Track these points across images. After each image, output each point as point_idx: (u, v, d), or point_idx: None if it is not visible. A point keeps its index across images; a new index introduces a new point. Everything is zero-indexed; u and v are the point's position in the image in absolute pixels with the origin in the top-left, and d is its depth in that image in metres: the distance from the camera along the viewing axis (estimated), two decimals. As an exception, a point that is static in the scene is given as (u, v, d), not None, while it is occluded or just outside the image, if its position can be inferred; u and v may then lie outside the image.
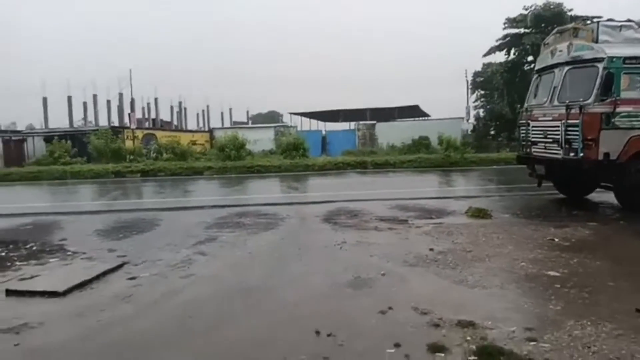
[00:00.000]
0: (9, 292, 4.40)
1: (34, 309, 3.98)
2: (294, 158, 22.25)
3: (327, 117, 41.65)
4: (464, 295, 4.03)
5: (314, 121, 47.10)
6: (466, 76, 36.13)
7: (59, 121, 44.56)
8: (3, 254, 6.09)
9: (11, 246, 6.48)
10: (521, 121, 9.72)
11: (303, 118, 44.55)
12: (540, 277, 4.46)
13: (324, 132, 36.05)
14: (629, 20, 8.09)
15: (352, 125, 36.95)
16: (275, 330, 3.42)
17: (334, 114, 37.36)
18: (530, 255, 5.22)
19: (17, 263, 5.61)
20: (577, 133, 7.68)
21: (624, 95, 7.54)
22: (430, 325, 3.36)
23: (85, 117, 47.69)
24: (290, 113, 42.98)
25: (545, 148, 8.65)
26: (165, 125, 46.86)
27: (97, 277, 4.81)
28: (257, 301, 4.06)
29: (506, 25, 27.71)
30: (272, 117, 69.81)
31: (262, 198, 11.60)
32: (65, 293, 4.34)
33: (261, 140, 29.56)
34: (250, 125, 52.81)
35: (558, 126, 8.07)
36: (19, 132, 34.27)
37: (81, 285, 4.55)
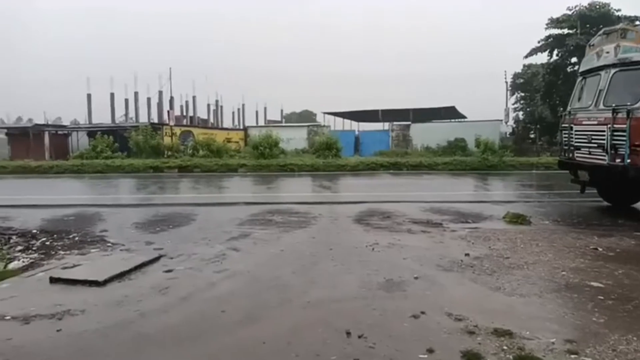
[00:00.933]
0: (53, 280, 4.59)
1: (76, 297, 4.14)
2: (327, 157, 22.30)
3: (361, 117, 41.42)
4: (500, 303, 3.90)
5: (347, 121, 46.97)
6: (505, 77, 35.17)
7: (101, 117, 46.35)
8: (48, 243, 6.40)
9: (55, 236, 6.80)
10: (564, 125, 9.36)
11: (337, 118, 44.51)
12: (582, 288, 4.27)
13: (357, 132, 35.90)
14: None
15: (385, 125, 36.61)
16: (305, 329, 3.42)
17: (368, 113, 37.09)
18: (571, 264, 5.02)
19: (61, 252, 5.88)
20: (624, 138, 7.33)
21: None
22: (465, 332, 3.27)
23: (126, 114, 49.35)
24: (324, 112, 43.06)
25: (589, 153, 8.31)
26: (202, 123, 47.88)
27: (135, 269, 4.96)
28: (288, 298, 4.08)
29: (549, 25, 26.76)
30: (305, 116, 70.23)
31: (294, 196, 11.66)
32: (105, 282, 4.50)
33: (294, 139, 29.75)
34: (284, 124, 53.27)
35: (603, 131, 7.73)
36: (64, 126, 35.86)
37: (120, 276, 4.70)
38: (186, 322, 3.58)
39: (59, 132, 31.88)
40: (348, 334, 3.25)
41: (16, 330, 3.43)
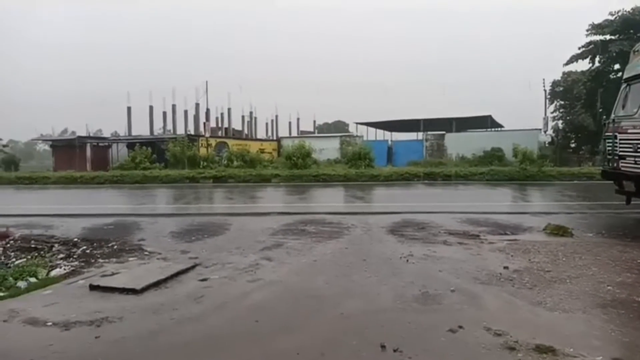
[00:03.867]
0: (93, 287, 4.75)
1: (114, 304, 4.26)
2: (359, 168, 22.24)
3: (394, 126, 41.14)
4: (542, 318, 3.74)
5: (379, 131, 46.74)
6: (544, 85, 34.17)
7: (140, 129, 48.05)
8: (88, 251, 6.64)
9: (95, 244, 7.04)
10: (607, 133, 8.98)
11: (369, 128, 44.38)
12: (630, 303, 4.04)
13: (390, 142, 35.66)
14: None
15: (419, 135, 36.21)
16: (339, 341, 3.38)
17: (401, 123, 36.80)
18: (617, 279, 4.77)
19: (100, 260, 6.09)
20: None
21: None
22: (505, 347, 3.15)
23: (164, 126, 50.81)
24: (356, 123, 42.99)
25: (635, 163, 7.92)
26: (236, 134, 48.80)
27: (171, 277, 5.07)
28: (321, 309, 4.06)
29: (590, 31, 25.91)
30: (338, 127, 70.42)
31: (326, 206, 11.66)
32: (142, 290, 4.61)
33: (327, 149, 29.89)
34: (316, 134, 53.58)
35: (651, 139, 7.36)
36: (105, 138, 37.38)
37: (157, 284, 4.82)
38: (220, 331, 3.62)
39: (100, 144, 33.27)
40: (383, 347, 3.19)
41: (57, 336, 3.55)
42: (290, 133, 56.32)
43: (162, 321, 3.81)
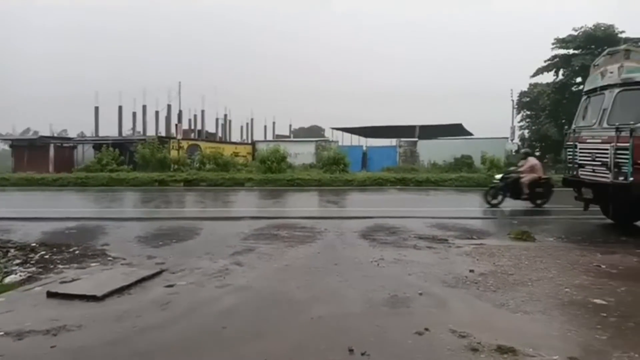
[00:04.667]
0: (50, 294, 4.54)
1: (73, 312, 4.09)
2: (334, 172, 22.34)
3: (368, 132, 41.59)
4: (504, 320, 3.86)
5: (355, 136, 47.15)
6: (511, 96, 35.29)
7: (108, 130, 46.78)
8: (47, 256, 6.34)
9: (55, 249, 6.73)
10: (568, 143, 9.37)
11: (345, 133, 44.71)
12: (586, 305, 4.22)
13: (364, 148, 36.00)
14: None
15: (393, 141, 36.70)
16: (308, 345, 3.38)
17: (375, 129, 37.28)
18: (575, 281, 4.97)
19: (60, 266, 5.83)
20: (627, 157, 7.34)
21: None
22: (469, 349, 3.22)
23: (134, 127, 49.74)
24: (332, 128, 43.31)
25: (593, 171, 8.30)
26: (210, 137, 48.19)
27: (136, 283, 4.92)
28: (291, 314, 4.05)
29: (555, 45, 26.99)
30: (314, 131, 70.52)
31: (300, 211, 11.65)
32: (104, 297, 4.45)
33: (302, 153, 29.90)
34: (292, 138, 53.52)
35: (607, 149, 7.74)
36: (70, 139, 36.23)
37: (120, 291, 4.67)
38: (186, 338, 3.55)
39: (65, 145, 32.15)
40: (351, 350, 3.21)
41: (9, 346, 3.38)
42: (265, 137, 56.10)
43: (124, 329, 3.70)
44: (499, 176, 12.78)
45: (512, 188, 11.99)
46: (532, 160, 12.44)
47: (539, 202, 12.01)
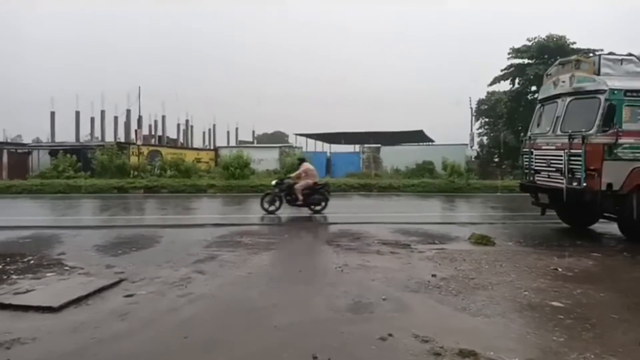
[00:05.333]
0: (3, 306, 4.35)
1: (27, 324, 3.92)
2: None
3: (332, 138, 41.86)
4: (466, 324, 3.95)
5: (319, 142, 47.34)
6: (470, 103, 36.44)
7: (65, 135, 44.96)
8: None
9: (8, 259, 6.40)
10: (524, 149, 9.75)
11: (309, 139, 44.82)
12: (543, 307, 4.39)
13: (328, 154, 36.19)
14: (629, 54, 8.21)
15: (357, 147, 37.08)
16: (271, 353, 3.35)
17: (339, 135, 37.56)
18: (533, 285, 5.16)
19: (13, 276, 5.54)
20: (579, 163, 7.69)
21: (626, 127, 7.60)
22: (431, 353, 3.28)
23: (92, 132, 48.10)
24: (296, 134, 43.30)
25: (548, 177, 8.65)
26: (171, 143, 47.19)
27: (94, 293, 4.75)
28: (254, 322, 4.00)
29: (511, 55, 28.07)
30: (277, 137, 70.26)
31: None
32: (60, 308, 4.29)
33: (266, 159, 29.69)
34: (255, 144, 53.18)
35: (561, 155, 8.09)
36: (24, 144, 34.55)
37: (77, 301, 4.50)
38: (146, 349, 3.44)
39: (19, 151, 30.64)
40: (315, 358, 3.20)
41: (-42, 361, 3.20)
42: (228, 143, 55.42)
43: (81, 341, 3.55)
44: (274, 182, 12.63)
45: (287, 194, 11.90)
46: (305, 166, 12.38)
47: (316, 208, 11.96)
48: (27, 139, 46.94)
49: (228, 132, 61.50)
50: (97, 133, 48.00)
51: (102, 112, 47.54)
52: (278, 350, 3.39)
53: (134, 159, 25.69)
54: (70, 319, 4.08)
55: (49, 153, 27.91)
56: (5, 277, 5.51)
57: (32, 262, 6.30)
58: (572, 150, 7.83)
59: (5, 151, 28.33)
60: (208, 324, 3.98)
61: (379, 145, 33.09)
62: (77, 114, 46.74)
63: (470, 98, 35.98)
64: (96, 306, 4.44)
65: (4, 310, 4.29)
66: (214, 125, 60.01)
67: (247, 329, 3.84)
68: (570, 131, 7.93)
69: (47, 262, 6.31)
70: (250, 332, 3.77)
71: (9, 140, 38.27)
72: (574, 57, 9.26)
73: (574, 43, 26.53)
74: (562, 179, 8.08)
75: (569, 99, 8.40)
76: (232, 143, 54.68)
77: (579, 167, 7.70)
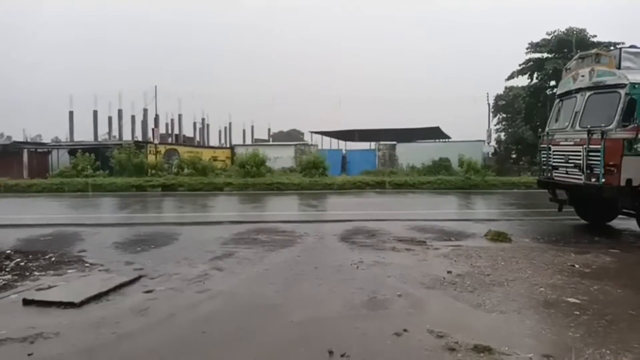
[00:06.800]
0: (26, 302, 4.48)
1: (50, 320, 4.04)
2: (314, 176, 22.36)
3: (347, 136, 41.82)
4: (481, 320, 3.95)
5: (334, 140, 47.34)
6: (488, 99, 36.04)
7: (84, 134, 45.89)
8: (22, 263, 6.20)
9: (30, 256, 6.59)
10: (542, 145, 9.61)
11: (324, 137, 44.85)
12: (560, 304, 4.35)
13: (344, 152, 36.16)
14: None
15: (372, 145, 36.97)
16: (288, 349, 3.40)
17: (354, 133, 37.49)
18: (549, 281, 5.11)
19: (36, 273, 5.72)
20: (598, 158, 7.56)
21: None
22: (446, 349, 3.29)
23: (109, 131, 49.03)
24: (311, 132, 43.34)
25: (566, 173, 8.52)
26: (187, 141, 47.77)
27: (114, 290, 4.87)
28: (271, 318, 4.05)
29: (529, 49, 27.61)
30: (293, 135, 70.50)
31: (279, 215, 11.64)
32: (81, 304, 4.40)
33: (281, 157, 29.83)
34: (271, 142, 53.45)
35: (580, 151, 7.96)
36: (44, 144, 35.35)
37: (97, 297, 4.61)
38: (165, 345, 3.52)
39: (39, 150, 31.38)
40: (330, 353, 3.24)
41: (-15, 355, 3.32)
42: (244, 141, 55.96)
43: (102, 336, 3.66)
44: None
45: None
46: None
47: None
48: (46, 139, 48.14)
49: (244, 130, 62.09)
50: (115, 132, 48.92)
51: (120, 112, 48.43)
52: (294, 346, 3.43)
53: (151, 158, 26.07)
54: (91, 314, 4.19)
55: (68, 152, 28.51)
56: (27, 273, 5.69)
57: (53, 259, 6.49)
58: (590, 146, 7.70)
59: (25, 151, 29.04)
60: (226, 320, 4.06)
61: (395, 142, 32.95)
62: (95, 113, 47.74)
63: (487, 94, 35.58)
64: (116, 302, 4.55)
65: (28, 305, 4.43)
66: (230, 124, 60.62)
67: (264, 325, 3.89)
68: (589, 126, 7.80)
69: (68, 259, 6.49)
70: (267, 328, 3.83)
71: (28, 140, 39.13)
72: (593, 50, 9.07)
73: (595, 36, 25.97)
74: (580, 175, 7.95)
75: (588, 93, 8.25)
76: (248, 141, 55.18)
77: (598, 162, 7.56)
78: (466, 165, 21.46)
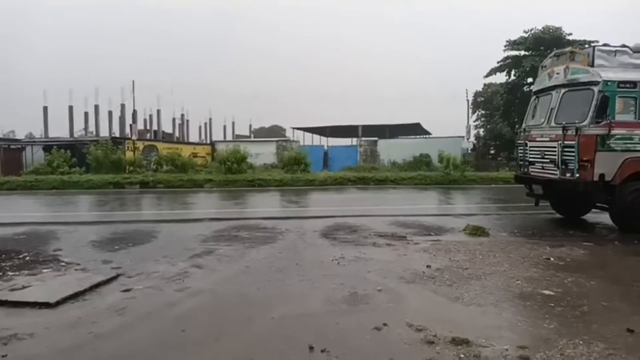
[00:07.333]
0: (0, 302, 4.36)
1: (24, 320, 3.95)
2: (295, 172, 22.30)
3: (328, 132, 41.84)
4: (459, 313, 4.02)
5: (316, 136, 47.31)
6: (467, 96, 36.40)
7: (59, 131, 44.77)
8: (-5, 263, 6.03)
9: (4, 256, 6.40)
10: (519, 141, 9.80)
11: (305, 133, 44.78)
12: (535, 296, 4.46)
13: (326, 148, 36.18)
14: (623, 46, 8.23)
15: (354, 141, 37.09)
16: (268, 345, 3.40)
17: (335, 129, 37.54)
18: (525, 274, 5.23)
19: (9, 273, 5.54)
20: (573, 154, 7.75)
21: (619, 118, 7.67)
22: (425, 342, 3.34)
23: (86, 127, 47.95)
24: (293, 128, 43.32)
25: (542, 168, 8.71)
26: (166, 137, 47.04)
27: (91, 289, 4.78)
28: (251, 315, 4.04)
29: (507, 47, 28.03)
30: (274, 132, 70.26)
31: (261, 212, 11.60)
32: (57, 304, 4.31)
33: (263, 154, 29.67)
34: (252, 139, 53.09)
35: (555, 147, 8.15)
36: (18, 140, 34.42)
37: (74, 297, 4.52)
38: (143, 343, 3.48)
39: (12, 147, 30.49)
40: (311, 348, 3.25)
41: (-43, 357, 3.22)
42: (225, 137, 55.42)
43: (79, 336, 3.59)
44: None
45: None
46: None
47: None
48: (20, 135, 46.83)
49: (224, 126, 61.45)
50: (92, 128, 47.84)
51: (96, 107, 47.32)
52: (275, 342, 3.44)
53: (129, 154, 25.59)
54: (68, 314, 4.11)
55: (43, 149, 27.80)
56: (1, 273, 5.52)
57: (27, 258, 6.31)
58: (565, 142, 7.89)
59: (-2, 147, 28.20)
60: (206, 318, 4.03)
61: (376, 138, 33.13)
62: (71, 108, 46.51)
63: (466, 90, 35.98)
64: (93, 301, 4.47)
65: (1, 306, 4.32)
66: (210, 120, 59.95)
67: (245, 322, 3.88)
68: (564, 123, 7.98)
69: (43, 258, 6.33)
70: (247, 325, 3.82)
71: (1, 136, 38.02)
72: (568, 48, 9.28)
73: (570, 34, 26.52)
74: (555, 170, 8.15)
75: (563, 90, 8.44)
76: (229, 137, 54.70)
77: (572, 158, 7.76)
78: (446, 161, 21.71)
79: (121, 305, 4.30)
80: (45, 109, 45.54)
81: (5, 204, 15.08)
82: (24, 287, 4.86)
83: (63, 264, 6.00)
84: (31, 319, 3.99)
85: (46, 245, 7.28)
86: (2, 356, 3.23)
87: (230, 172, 21.82)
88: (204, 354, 3.28)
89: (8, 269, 5.75)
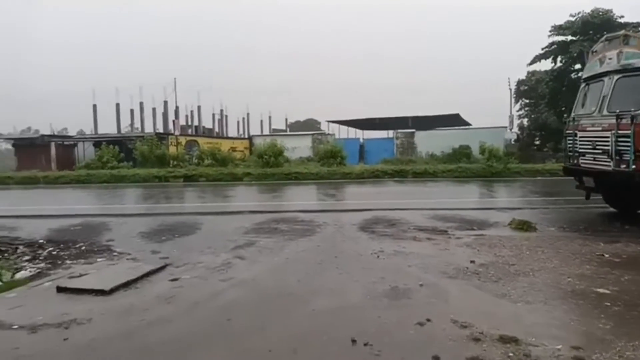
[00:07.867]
0: (60, 289, 4.63)
1: (82, 306, 4.16)
2: (331, 166, 22.35)
3: (365, 125, 41.52)
4: (506, 310, 3.89)
5: (352, 129, 47.09)
6: (509, 84, 35.16)
7: (107, 127, 46.81)
8: (54, 252, 6.46)
9: (62, 245, 6.86)
10: (568, 131, 9.35)
11: (341, 126, 44.66)
12: (588, 294, 4.25)
13: (361, 141, 35.97)
14: None
15: (390, 133, 36.68)
16: (310, 337, 3.42)
17: (372, 121, 37.19)
18: (577, 271, 4.99)
19: (67, 262, 5.93)
20: (628, 144, 7.31)
21: None
22: (471, 339, 3.26)
23: (132, 124, 49.75)
24: (328, 121, 43.26)
25: (594, 159, 8.29)
26: (207, 132, 48.22)
27: (141, 278, 4.99)
28: (293, 307, 4.09)
29: (552, 32, 26.82)
30: (310, 125, 70.49)
31: (298, 205, 11.68)
32: (111, 291, 4.53)
33: (299, 147, 29.92)
34: (288, 132, 53.54)
35: (608, 137, 7.72)
36: (70, 137, 36.23)
37: (126, 285, 4.74)
38: (192, 331, 3.59)
39: (66, 143, 32.21)
40: (353, 341, 3.25)
41: (23, 340, 3.46)
42: (262, 131, 56.17)
43: (132, 322, 3.76)
44: None
45: None
46: None
47: None
48: (72, 132, 49.27)
49: (261, 121, 62.19)
50: (137, 124, 49.61)
51: (141, 104, 49.00)
52: (317, 334, 3.46)
53: (172, 149, 26.46)
54: (121, 301, 4.31)
55: (93, 145, 29.19)
56: (59, 262, 5.91)
57: (83, 248, 6.70)
58: (620, 131, 7.45)
59: (53, 144, 29.84)
60: (249, 308, 4.11)
61: (414, 130, 32.59)
62: (118, 106, 48.42)
63: (509, 79, 34.71)
64: (144, 290, 4.66)
65: (61, 293, 4.59)
66: (248, 115, 60.78)
67: (287, 313, 3.94)
68: (618, 111, 7.55)
69: (97, 248, 6.69)
70: (290, 316, 3.86)
71: (55, 133, 40.10)
72: (621, 32, 8.73)
73: (622, 17, 25.05)
74: (609, 162, 7.73)
75: (616, 76, 7.97)
76: (266, 131, 55.38)
77: (628, 148, 7.32)
78: (487, 153, 21.12)
79: (170, 294, 4.47)
80: (94, 107, 47.67)
81: (61, 196, 15.96)
82: (81, 275, 5.14)
83: (115, 253, 6.31)
84: (88, 305, 4.20)
85: (99, 235, 7.66)
86: (64, 339, 3.43)
87: (268, 166, 22.16)
88: (248, 344, 3.35)
89: (66, 257, 6.14)
